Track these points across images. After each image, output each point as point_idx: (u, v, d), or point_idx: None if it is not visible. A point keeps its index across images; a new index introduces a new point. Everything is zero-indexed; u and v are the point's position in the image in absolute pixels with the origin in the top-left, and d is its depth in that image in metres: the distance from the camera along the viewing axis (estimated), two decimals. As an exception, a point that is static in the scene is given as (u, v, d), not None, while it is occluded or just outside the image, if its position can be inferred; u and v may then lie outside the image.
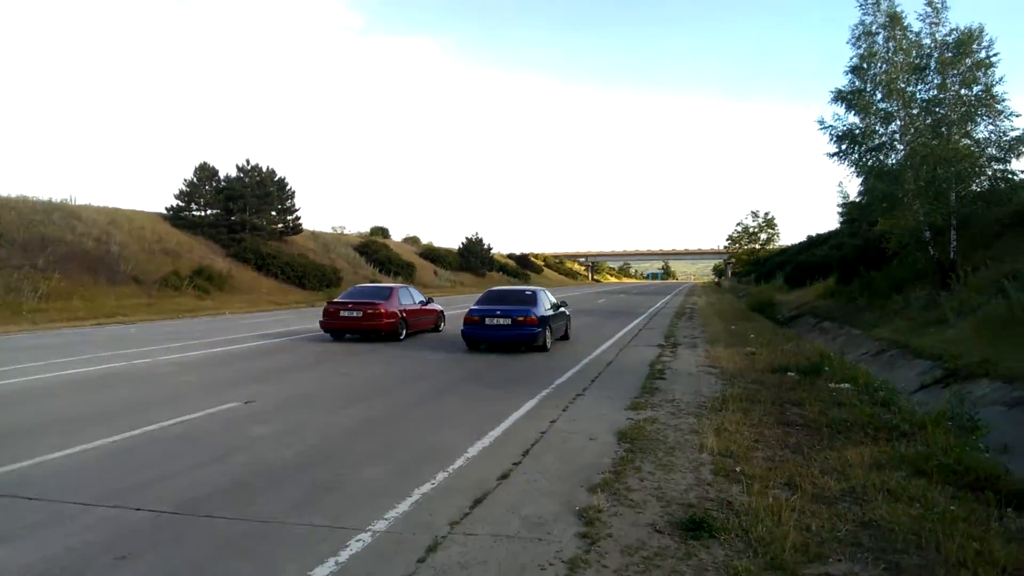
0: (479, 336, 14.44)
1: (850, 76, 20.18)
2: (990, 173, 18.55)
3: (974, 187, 18.63)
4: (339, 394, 9.30)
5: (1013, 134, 17.97)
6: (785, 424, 7.32)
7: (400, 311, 16.49)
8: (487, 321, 14.27)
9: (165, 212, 39.70)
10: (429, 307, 18.49)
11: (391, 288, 17.42)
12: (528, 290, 16.19)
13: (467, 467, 5.78)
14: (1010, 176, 18.43)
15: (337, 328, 16.35)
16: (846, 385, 9.36)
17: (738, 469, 5.57)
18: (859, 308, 20.61)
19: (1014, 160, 18.26)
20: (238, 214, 40.77)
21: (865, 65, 19.69)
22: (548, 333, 14.62)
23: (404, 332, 16.48)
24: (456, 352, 14.03)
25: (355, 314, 15.91)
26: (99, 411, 8.10)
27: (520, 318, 14.11)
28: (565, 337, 16.69)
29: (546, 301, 15.38)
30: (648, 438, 6.68)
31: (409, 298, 17.56)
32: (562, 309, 16.59)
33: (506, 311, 14.30)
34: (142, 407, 8.21)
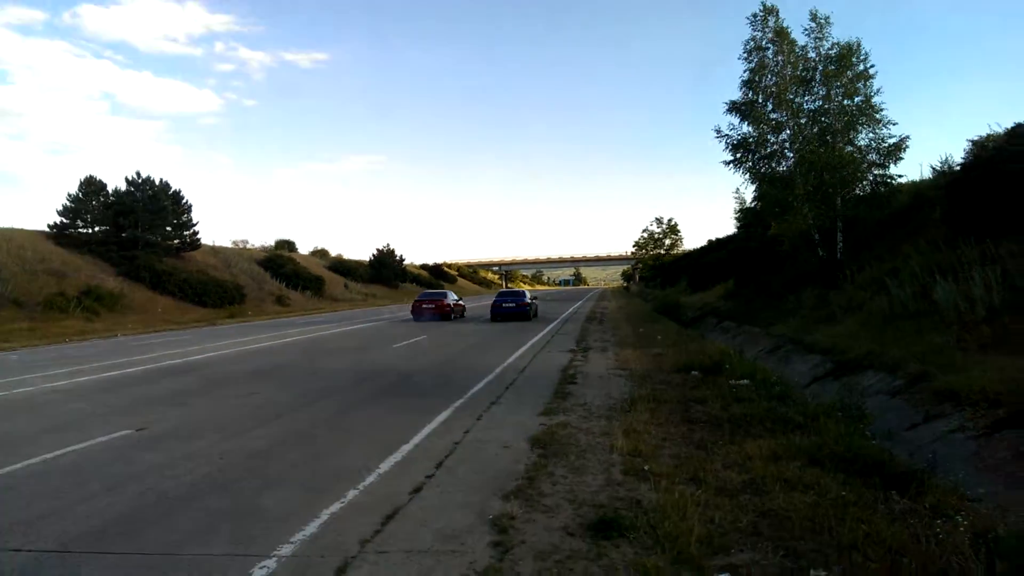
0: (500, 312, 27.24)
1: (743, 89, 21.23)
2: (871, 178, 19.94)
3: (857, 191, 19.97)
4: (240, 415, 8.88)
5: (891, 141, 19.43)
6: (690, 422, 7.57)
7: (450, 304, 29.48)
8: (503, 305, 27.56)
9: (48, 229, 37.31)
10: (460, 302, 31.78)
11: (444, 292, 33.13)
12: (520, 291, 31.43)
13: (378, 483, 5.65)
14: (889, 180, 19.86)
15: (420, 314, 28.42)
16: (745, 381, 9.76)
17: (646, 468, 5.71)
18: (757, 308, 21.63)
19: (892, 165, 19.74)
20: (129, 230, 38.66)
21: (756, 78, 20.77)
22: (532, 311, 28.24)
23: (453, 316, 29.06)
24: (357, 362, 13.76)
25: (430, 306, 28.77)
26: (-28, 446, 7.42)
27: (520, 303, 27.73)
28: (535, 315, 28.96)
29: (528, 296, 29.42)
30: (561, 442, 6.75)
31: (452, 297, 31.25)
32: (536, 301, 30.90)
33: (512, 300, 28.25)
34: (23, 439, 7.60)
